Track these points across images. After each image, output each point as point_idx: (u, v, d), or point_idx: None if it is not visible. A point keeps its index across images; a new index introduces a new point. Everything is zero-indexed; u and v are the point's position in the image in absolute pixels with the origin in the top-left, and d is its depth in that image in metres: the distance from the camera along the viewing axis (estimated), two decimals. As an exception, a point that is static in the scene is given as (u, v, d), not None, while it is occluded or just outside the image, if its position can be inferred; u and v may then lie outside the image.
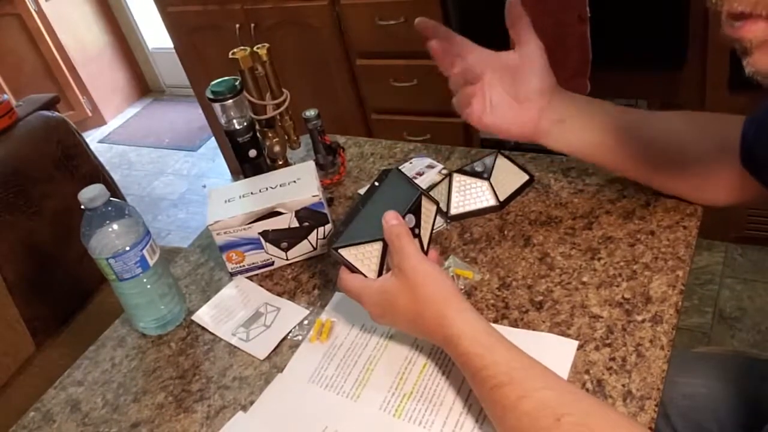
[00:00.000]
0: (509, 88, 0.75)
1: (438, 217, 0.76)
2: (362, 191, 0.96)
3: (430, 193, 0.83)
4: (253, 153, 0.94)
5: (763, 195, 0.70)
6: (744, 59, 0.43)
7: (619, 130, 0.74)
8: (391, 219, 0.65)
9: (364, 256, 0.67)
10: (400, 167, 0.73)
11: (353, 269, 0.67)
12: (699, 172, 0.74)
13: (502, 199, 0.85)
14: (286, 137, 1.00)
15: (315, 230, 0.84)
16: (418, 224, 0.69)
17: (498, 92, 0.75)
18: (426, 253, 0.69)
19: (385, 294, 0.64)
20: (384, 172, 0.72)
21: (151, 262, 0.78)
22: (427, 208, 0.71)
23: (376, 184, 0.71)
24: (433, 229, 0.71)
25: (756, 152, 0.68)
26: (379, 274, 0.67)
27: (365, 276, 0.67)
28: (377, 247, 0.67)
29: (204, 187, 2.90)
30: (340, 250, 0.66)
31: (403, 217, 0.66)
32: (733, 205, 0.75)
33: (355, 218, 0.68)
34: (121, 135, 3.45)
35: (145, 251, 0.77)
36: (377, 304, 0.65)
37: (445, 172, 0.93)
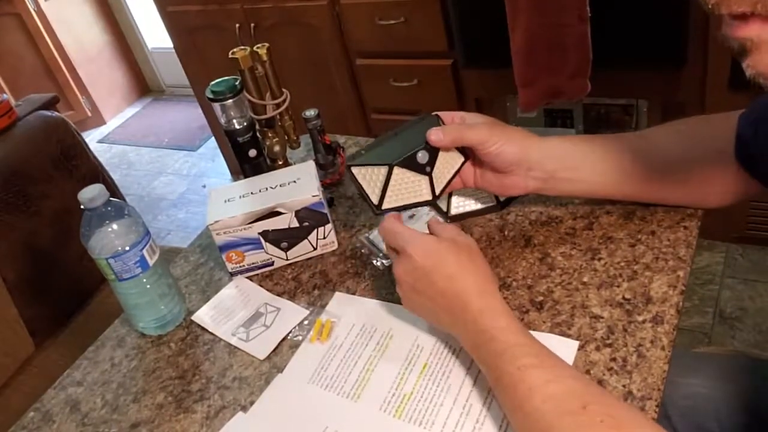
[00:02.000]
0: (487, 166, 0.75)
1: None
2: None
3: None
4: (253, 153, 0.94)
5: (761, 189, 0.70)
6: (743, 61, 0.42)
7: (608, 166, 0.74)
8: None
9: (371, 178, 0.72)
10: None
11: (361, 190, 0.72)
12: (696, 181, 0.74)
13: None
14: (286, 137, 1.00)
15: (315, 230, 0.84)
16: (431, 163, 0.72)
17: (480, 166, 0.76)
18: (437, 196, 0.73)
19: (436, 244, 0.65)
20: (425, 115, 0.74)
21: (150, 262, 0.78)
22: (452, 157, 0.74)
23: (411, 122, 0.74)
24: (451, 181, 0.74)
25: (755, 151, 0.68)
26: (381, 199, 0.71)
27: (371, 200, 0.72)
28: (383, 171, 0.71)
29: (204, 187, 2.90)
30: (352, 168, 0.71)
31: (417, 152, 0.71)
32: (732, 203, 0.75)
33: (377, 145, 0.73)
34: (121, 135, 3.45)
35: (144, 251, 0.77)
36: (424, 250, 0.65)
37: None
